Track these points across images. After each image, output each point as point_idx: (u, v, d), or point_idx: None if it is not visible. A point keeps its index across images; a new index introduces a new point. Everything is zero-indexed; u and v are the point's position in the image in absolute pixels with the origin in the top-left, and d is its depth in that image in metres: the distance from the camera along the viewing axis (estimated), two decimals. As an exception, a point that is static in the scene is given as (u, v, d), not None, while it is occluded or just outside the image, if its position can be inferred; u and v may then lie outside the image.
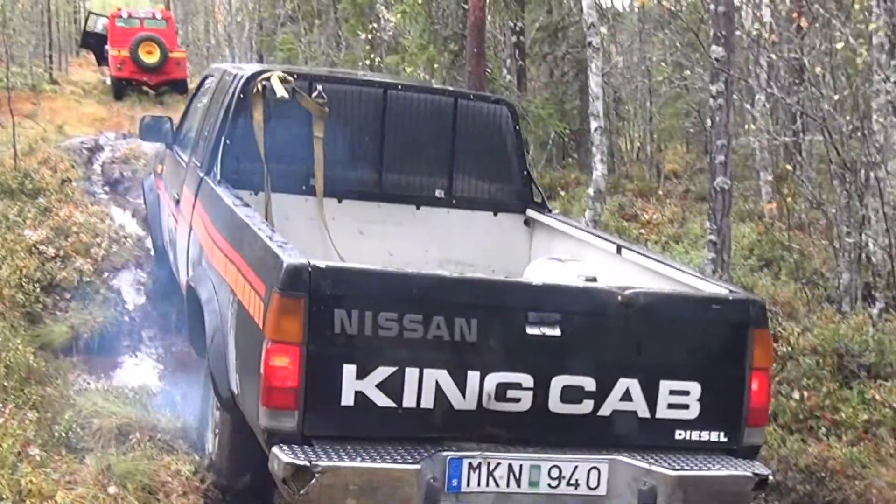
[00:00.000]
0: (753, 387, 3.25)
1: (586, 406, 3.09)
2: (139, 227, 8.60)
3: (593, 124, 7.95)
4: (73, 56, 32.89)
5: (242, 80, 4.46)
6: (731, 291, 3.43)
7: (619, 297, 3.12)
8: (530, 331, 3.02)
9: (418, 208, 4.79)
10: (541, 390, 3.04)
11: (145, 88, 20.78)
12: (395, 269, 3.24)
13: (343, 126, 4.57)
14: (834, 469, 3.95)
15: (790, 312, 5.44)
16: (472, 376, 2.99)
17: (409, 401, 2.95)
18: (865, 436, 4.23)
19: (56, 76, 24.87)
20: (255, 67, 4.72)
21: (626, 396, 3.13)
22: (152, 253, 6.76)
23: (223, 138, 4.42)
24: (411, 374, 2.94)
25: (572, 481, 3.06)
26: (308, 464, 2.77)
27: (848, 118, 6.27)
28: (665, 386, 3.16)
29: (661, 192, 10.42)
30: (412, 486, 2.87)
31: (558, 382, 3.05)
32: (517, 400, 3.03)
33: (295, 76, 4.46)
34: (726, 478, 3.12)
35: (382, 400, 2.93)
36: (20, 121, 10.69)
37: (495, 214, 4.88)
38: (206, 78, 5.66)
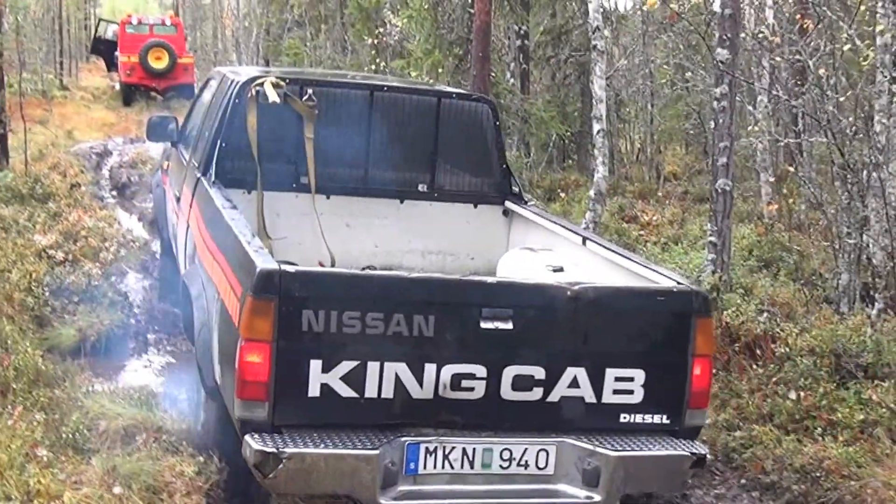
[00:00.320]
0: (696, 372, 3.44)
1: (536, 393, 3.30)
2: (146, 230, 8.70)
3: (596, 127, 7.99)
4: (83, 62, 33.17)
5: (238, 86, 4.67)
6: (677, 283, 3.58)
7: (569, 293, 3.32)
8: (484, 325, 3.23)
9: (402, 202, 4.99)
10: (493, 379, 3.25)
11: (153, 94, 20.97)
12: (358, 272, 3.47)
13: (332, 126, 4.77)
14: (829, 469, 3.94)
15: (788, 313, 5.45)
16: (430, 368, 3.20)
17: (370, 391, 3.17)
18: (861, 436, 4.22)
19: (66, 82, 25.10)
20: (252, 72, 4.93)
21: (574, 384, 3.33)
22: (160, 244, 6.95)
23: (219, 140, 4.65)
24: (373, 367, 3.16)
25: (522, 462, 3.28)
26: (276, 450, 3.01)
27: (851, 119, 6.29)
28: (611, 373, 3.36)
29: (660, 194, 10.43)
30: (372, 470, 3.09)
31: (510, 372, 3.26)
32: (471, 389, 3.24)
33: (287, 81, 4.68)
34: (665, 457, 3.33)
35: (346, 391, 3.15)
36: (31, 126, 10.83)
37: (475, 206, 5.08)
38: (208, 80, 5.87)
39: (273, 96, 4.54)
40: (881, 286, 5.45)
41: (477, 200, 5.09)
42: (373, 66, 14.54)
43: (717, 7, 6.30)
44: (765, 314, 5.19)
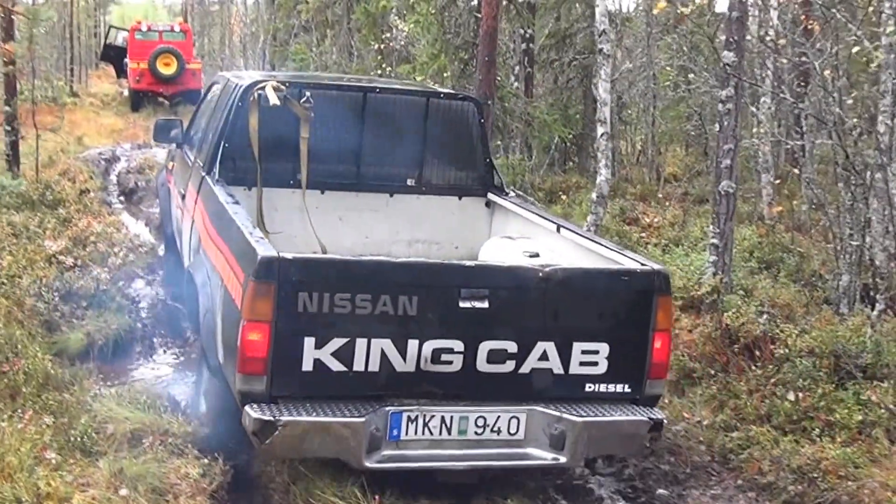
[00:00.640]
0: (656, 345, 3.77)
1: (509, 366, 3.62)
2: (153, 235, 8.79)
3: (599, 130, 8.02)
4: (93, 69, 33.44)
5: (241, 90, 4.98)
6: (640, 265, 3.89)
7: (540, 274, 3.63)
8: (462, 304, 3.54)
9: (392, 196, 5.30)
10: (470, 354, 3.58)
11: (161, 99, 21.13)
12: (349, 258, 3.77)
13: (327, 125, 5.08)
14: (827, 469, 3.94)
15: (788, 314, 5.45)
16: (412, 344, 3.52)
17: (358, 366, 3.50)
18: (859, 436, 4.22)
19: (76, 89, 25.31)
20: (254, 77, 5.21)
21: (544, 357, 3.65)
22: (164, 239, 7.26)
23: (223, 141, 4.96)
24: (361, 343, 3.48)
25: (495, 429, 3.62)
26: (272, 419, 3.35)
27: (856, 120, 6.30)
28: (578, 347, 3.69)
29: (660, 196, 10.45)
30: (358, 436, 3.44)
31: (485, 346, 3.58)
32: (450, 362, 3.57)
33: (287, 84, 4.99)
34: (624, 422, 3.69)
35: (336, 365, 3.48)
36: (42, 133, 10.96)
37: (460, 198, 5.38)
38: (212, 84, 6.13)
39: (274, 99, 4.80)
40: (883, 287, 5.46)
41: (461, 193, 5.37)
42: (378, 71, 14.62)
43: (719, 9, 6.34)
44: (765, 315, 5.20)
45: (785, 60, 8.65)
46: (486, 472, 3.83)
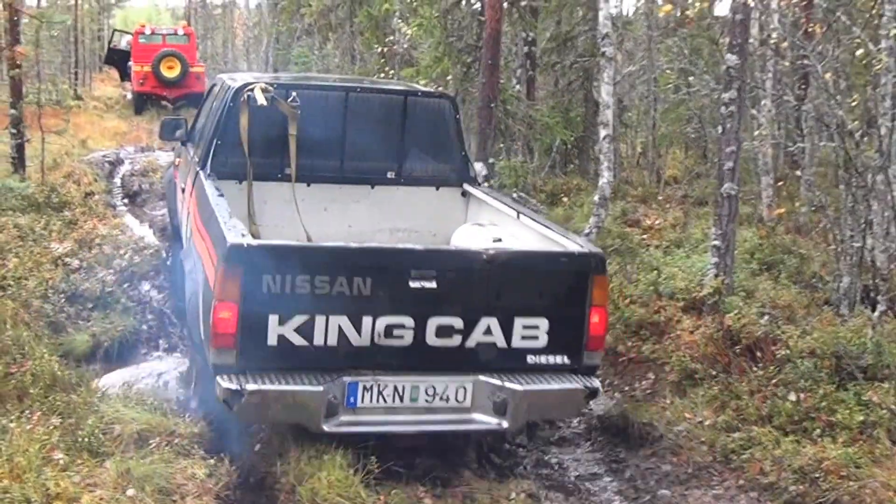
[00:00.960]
0: (593, 320, 4.11)
1: (456, 340, 3.97)
2: (158, 238, 8.83)
3: (602, 132, 8.05)
4: (96, 72, 33.53)
5: (232, 92, 5.35)
6: (579, 247, 4.22)
7: (484, 256, 4.01)
8: (412, 284, 3.89)
9: (373, 187, 5.63)
10: (420, 329, 3.92)
11: (164, 102, 21.19)
12: (307, 244, 4.32)
13: (313, 122, 5.39)
14: (828, 470, 3.96)
15: (789, 316, 5.47)
16: (367, 320, 3.88)
17: (318, 340, 3.86)
18: (861, 437, 4.23)
19: (80, 92, 25.37)
20: (245, 79, 5.54)
21: (488, 331, 4.00)
22: (171, 231, 7.48)
23: (215, 138, 5.34)
24: (320, 320, 3.85)
25: (444, 397, 3.97)
26: (239, 387, 3.74)
27: (857, 122, 6.32)
28: (519, 322, 4.03)
29: (661, 198, 10.48)
30: (317, 403, 3.81)
31: (433, 322, 3.93)
32: (401, 337, 3.92)
33: (275, 85, 5.35)
34: (561, 390, 4.03)
35: (298, 340, 3.85)
36: (47, 136, 11.00)
37: (437, 189, 5.73)
38: (212, 86, 6.46)
39: (261, 99, 5.18)
40: (884, 289, 5.48)
41: (439, 184, 5.72)
42: (381, 74, 14.66)
43: (719, 12, 6.36)
44: (766, 317, 5.22)
45: (787, 63, 8.67)
46: (435, 436, 4.23)
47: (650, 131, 12.64)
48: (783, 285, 6.30)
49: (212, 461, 4.08)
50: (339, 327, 3.87)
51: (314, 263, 3.85)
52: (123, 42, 25.09)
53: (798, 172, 8.39)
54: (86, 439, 3.99)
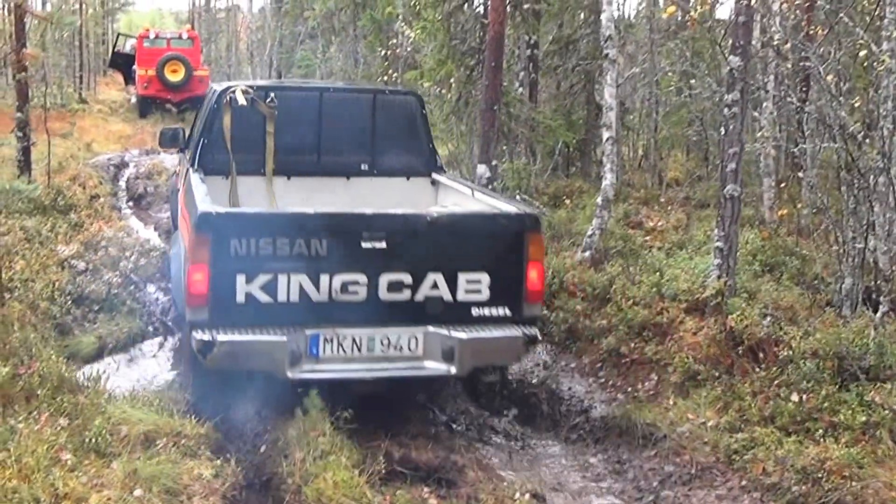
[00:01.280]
0: (531, 275, 4.55)
1: (406, 294, 4.44)
2: (163, 240, 8.87)
3: (605, 134, 8.07)
4: (101, 76, 33.63)
5: (216, 95, 5.89)
6: (515, 209, 4.77)
7: (428, 218, 4.49)
8: (364, 245, 4.36)
9: (348, 179, 6.14)
10: (372, 285, 4.39)
11: (168, 106, 21.26)
12: (269, 210, 4.91)
13: (291, 121, 5.91)
14: (830, 470, 3.96)
15: (791, 317, 5.47)
16: (324, 278, 4.33)
17: (281, 297, 4.31)
18: (863, 437, 4.23)
19: (85, 95, 25.46)
20: (228, 84, 6.08)
21: (434, 286, 4.46)
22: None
23: (202, 139, 5.88)
24: (282, 278, 4.29)
25: (398, 347, 4.44)
26: (211, 339, 4.21)
27: (859, 124, 6.33)
28: (463, 277, 4.49)
29: (663, 200, 10.49)
30: (281, 352, 4.25)
31: (385, 279, 4.40)
32: (356, 293, 4.38)
33: (255, 88, 5.88)
34: (502, 337, 4.51)
35: (264, 297, 4.30)
36: (52, 139, 11.05)
37: (408, 179, 6.22)
38: (207, 93, 6.90)
39: (241, 100, 5.70)
40: (886, 290, 5.50)
41: (409, 174, 6.22)
42: (385, 78, 14.70)
43: (721, 14, 6.38)
44: (768, 318, 5.23)
45: (789, 65, 8.68)
46: (392, 383, 4.66)
47: (652, 134, 12.66)
48: (785, 287, 6.31)
49: (218, 462, 4.11)
50: (300, 285, 4.31)
51: (275, 228, 4.31)
52: (128, 46, 25.19)
53: (800, 174, 8.38)
54: (93, 440, 4.02)
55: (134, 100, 23.95)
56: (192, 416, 4.50)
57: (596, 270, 6.81)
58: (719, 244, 5.82)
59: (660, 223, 8.89)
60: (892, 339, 4.94)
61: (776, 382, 4.73)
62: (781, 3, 8.62)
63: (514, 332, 4.52)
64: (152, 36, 22.59)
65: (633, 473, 4.47)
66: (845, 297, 5.90)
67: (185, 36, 23.30)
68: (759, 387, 4.78)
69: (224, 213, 4.39)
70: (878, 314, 5.23)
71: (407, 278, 4.42)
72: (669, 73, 12.41)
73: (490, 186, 8.88)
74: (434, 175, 6.20)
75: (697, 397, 4.93)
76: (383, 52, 15.00)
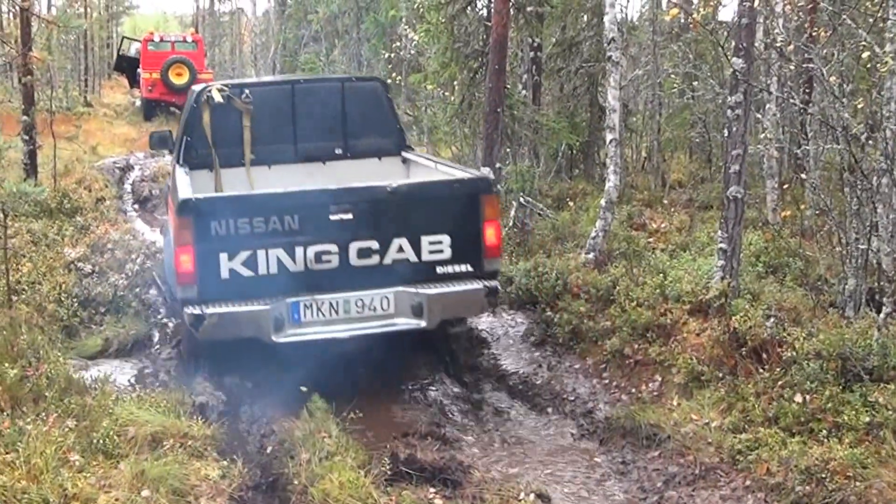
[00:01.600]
0: (488, 233, 5.08)
1: (374, 259, 4.94)
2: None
3: (609, 136, 8.08)
4: (105, 79, 33.74)
5: (195, 94, 6.30)
6: (469, 174, 5.43)
7: (388, 189, 5.00)
8: (332, 217, 4.85)
9: (324, 163, 6.56)
10: (343, 253, 4.88)
11: (173, 109, 21.34)
12: (243, 193, 5.33)
13: (267, 114, 6.36)
14: (834, 470, 3.96)
15: (795, 318, 5.47)
16: (299, 250, 4.82)
17: (262, 270, 4.79)
18: (867, 438, 4.22)
19: (90, 99, 25.54)
20: (206, 84, 6.51)
21: (400, 250, 4.97)
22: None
23: (184, 136, 6.29)
24: (261, 253, 4.78)
25: (371, 307, 4.94)
26: (201, 312, 4.70)
27: (862, 125, 6.34)
28: (426, 239, 5.00)
29: (666, 202, 10.50)
30: (266, 320, 4.74)
31: (354, 246, 4.90)
32: (329, 262, 4.87)
33: (230, 86, 6.33)
34: (466, 290, 5.03)
35: (246, 272, 4.78)
36: (58, 142, 11.11)
37: (380, 159, 6.66)
38: (189, 93, 7.19)
39: (218, 97, 6.11)
40: (889, 291, 5.50)
41: (381, 155, 6.65)
42: (388, 80, 14.71)
43: (724, 16, 6.40)
44: (772, 319, 5.23)
45: (792, 67, 8.69)
46: (370, 341, 5.13)
47: (655, 136, 12.68)
48: (789, 288, 6.32)
49: (225, 462, 4.14)
50: (278, 258, 4.79)
51: (250, 208, 4.77)
52: (132, 49, 25.27)
53: (803, 175, 8.39)
54: (101, 441, 4.07)
55: (138, 103, 24.02)
56: (199, 418, 4.54)
57: (600, 272, 6.83)
58: (723, 246, 5.83)
59: (663, 225, 8.90)
60: (895, 340, 4.94)
61: (780, 383, 4.73)
62: (784, 5, 8.64)
63: (476, 285, 5.04)
64: (157, 39, 22.67)
65: (638, 474, 4.48)
66: (849, 298, 5.91)
67: (189, 39, 23.37)
68: (763, 387, 4.79)
69: (202, 198, 4.78)
70: (882, 315, 5.24)
71: (374, 244, 4.90)
72: (672, 76, 12.43)
73: (494, 189, 8.91)
74: (404, 153, 6.65)
75: (701, 398, 4.94)
76: (387, 55, 15.04)
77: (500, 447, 4.81)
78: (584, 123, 12.55)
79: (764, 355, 5.03)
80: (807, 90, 9.24)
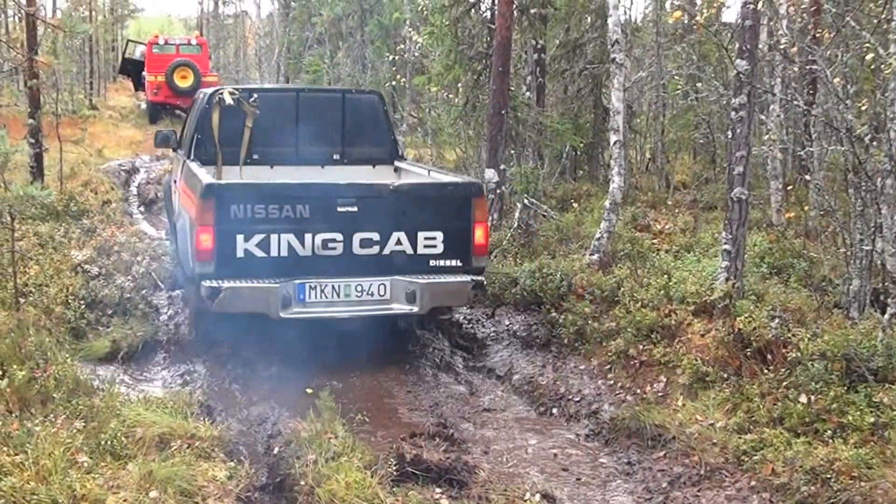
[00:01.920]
0: (476, 232, 5.66)
1: (375, 249, 5.52)
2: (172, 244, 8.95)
3: (613, 138, 8.10)
4: (111, 82, 33.86)
5: (207, 96, 6.85)
6: (463, 178, 6.28)
7: (391, 187, 5.65)
8: (339, 209, 5.42)
9: (323, 167, 7.04)
10: (347, 242, 5.45)
11: (178, 112, 21.42)
12: (262, 181, 5.77)
13: (272, 119, 6.85)
14: (839, 470, 3.97)
15: (800, 319, 5.48)
16: (308, 237, 5.37)
17: (273, 252, 5.33)
18: (872, 438, 4.23)
19: (95, 102, 25.63)
20: (217, 87, 7.01)
21: (398, 242, 5.55)
22: (168, 227, 8.61)
23: (196, 134, 6.77)
24: (274, 237, 5.32)
25: (370, 293, 5.50)
26: (217, 285, 5.23)
27: (866, 126, 6.34)
28: (421, 235, 5.59)
29: (670, 203, 10.51)
30: (274, 297, 5.28)
31: (357, 236, 5.47)
32: (334, 248, 5.43)
33: (240, 90, 6.82)
34: (454, 282, 5.63)
35: (259, 253, 5.33)
36: (64, 145, 11.15)
37: (374, 167, 7.17)
38: (195, 99, 7.72)
39: (229, 100, 6.61)
40: (894, 292, 5.50)
41: (375, 163, 7.18)
42: (392, 83, 14.76)
43: (727, 18, 6.41)
44: (776, 320, 5.24)
45: (796, 68, 8.70)
46: (365, 321, 5.66)
47: (659, 137, 12.69)
48: (793, 289, 6.32)
49: (232, 463, 4.16)
50: (289, 242, 5.31)
51: (266, 195, 5.29)
52: (137, 52, 25.38)
53: (807, 177, 8.39)
54: (109, 442, 4.08)
55: (144, 106, 24.13)
56: (206, 419, 4.56)
57: (604, 273, 6.84)
58: (727, 247, 5.84)
59: (667, 226, 8.91)
60: (900, 341, 4.94)
61: (784, 384, 4.74)
62: (788, 7, 8.64)
63: (464, 278, 5.63)
64: (161, 42, 22.75)
65: (643, 474, 4.49)
66: (853, 298, 5.92)
67: (193, 42, 23.46)
68: (768, 388, 4.79)
69: (225, 183, 5.37)
70: (886, 316, 5.24)
71: (375, 236, 5.46)
72: (676, 77, 12.44)
73: (498, 191, 8.94)
74: (396, 162, 7.18)
75: (706, 399, 4.95)
76: (391, 58, 15.07)
77: (505, 447, 4.82)
78: (588, 125, 12.57)
79: (769, 356, 5.04)
80: (811, 92, 9.25)
